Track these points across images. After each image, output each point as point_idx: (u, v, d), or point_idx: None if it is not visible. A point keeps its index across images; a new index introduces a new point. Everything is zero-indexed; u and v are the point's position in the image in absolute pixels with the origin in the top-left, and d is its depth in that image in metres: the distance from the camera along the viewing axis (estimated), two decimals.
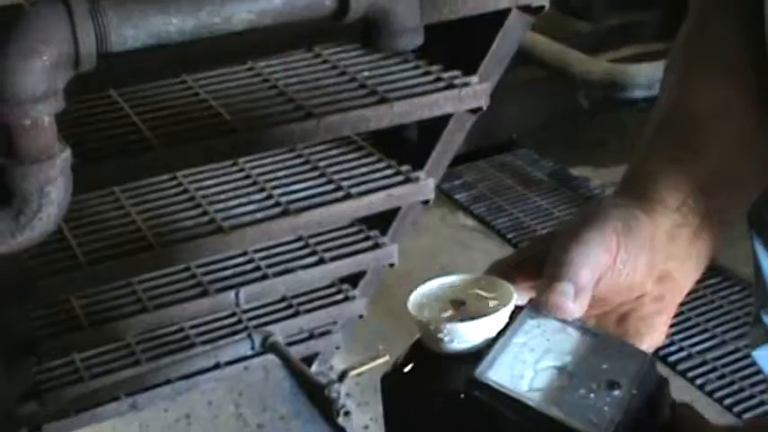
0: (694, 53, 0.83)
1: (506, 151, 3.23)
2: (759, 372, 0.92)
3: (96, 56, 0.91)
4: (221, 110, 1.50)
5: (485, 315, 0.62)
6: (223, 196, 1.69)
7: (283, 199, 1.66)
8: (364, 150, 1.77)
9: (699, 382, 2.23)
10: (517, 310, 0.65)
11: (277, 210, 1.64)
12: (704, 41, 0.83)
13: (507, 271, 0.71)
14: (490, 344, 0.62)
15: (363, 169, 1.72)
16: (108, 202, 1.68)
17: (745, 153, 0.78)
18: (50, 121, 0.90)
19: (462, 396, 0.59)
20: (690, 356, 2.30)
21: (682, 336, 2.36)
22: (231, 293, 1.72)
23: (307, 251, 1.77)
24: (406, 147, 1.73)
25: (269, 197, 1.68)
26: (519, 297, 0.66)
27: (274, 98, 1.53)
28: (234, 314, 1.88)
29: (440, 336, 0.61)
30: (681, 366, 2.28)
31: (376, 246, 1.79)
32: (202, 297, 1.71)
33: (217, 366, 1.81)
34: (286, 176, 1.73)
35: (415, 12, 1.01)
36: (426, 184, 1.69)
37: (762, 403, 2.14)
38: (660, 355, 2.31)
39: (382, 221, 1.79)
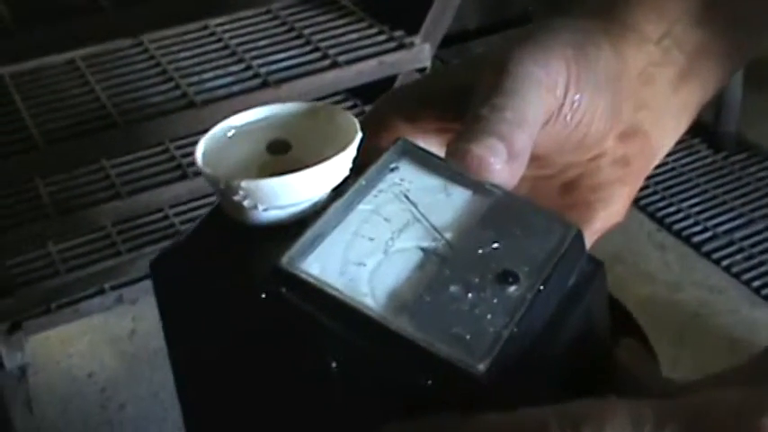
0: None
1: (520, 25, 2.93)
2: None
3: None
4: None
5: (313, 164, 0.38)
6: (197, 68, 1.48)
7: (263, 70, 1.45)
8: (353, 15, 1.56)
9: (725, 263, 2.00)
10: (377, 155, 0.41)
11: (256, 81, 1.45)
12: None
13: (407, 105, 0.48)
14: (320, 211, 0.37)
15: (352, 36, 1.51)
16: (71, 78, 1.46)
17: None
18: None
19: (263, 295, 0.36)
20: (715, 237, 2.06)
21: (706, 215, 2.11)
22: None
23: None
24: (399, 10, 1.50)
25: (247, 68, 1.47)
26: (422, 142, 0.42)
27: None
28: None
29: (236, 198, 0.37)
30: (705, 247, 2.04)
31: None
32: (182, 180, 1.49)
33: None
34: (267, 45, 1.51)
35: None
36: (422, 50, 1.48)
37: None
38: (682, 235, 2.07)
39: (378, 93, 1.55)
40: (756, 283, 1.95)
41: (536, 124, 0.44)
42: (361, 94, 1.58)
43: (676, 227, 2.09)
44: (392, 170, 0.40)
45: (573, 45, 0.47)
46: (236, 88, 1.42)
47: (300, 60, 1.46)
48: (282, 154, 0.40)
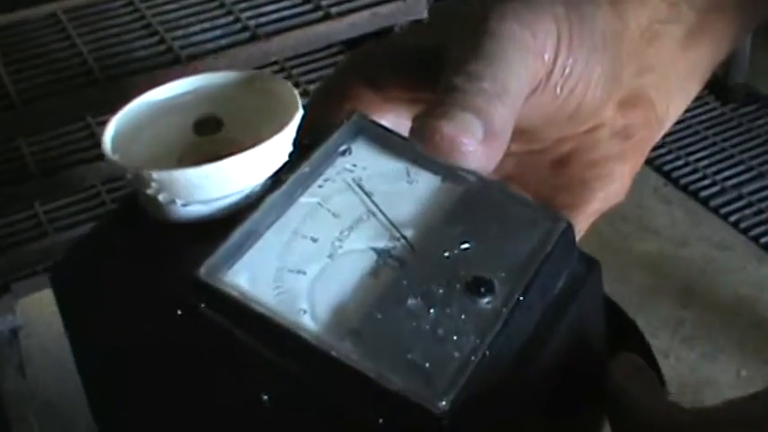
0: None
1: None
2: None
3: None
4: None
5: (244, 149, 0.30)
6: (183, 22, 1.39)
7: (252, 22, 1.37)
8: None
9: (733, 218, 1.92)
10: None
11: (245, 35, 1.36)
12: None
13: (374, 70, 0.40)
14: (252, 205, 0.30)
15: None
16: (52, 33, 1.38)
17: None
18: None
19: (179, 312, 0.29)
20: (723, 191, 1.98)
21: (713, 168, 2.04)
22: None
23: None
24: None
25: (236, 21, 1.38)
26: (391, 115, 0.35)
27: None
28: None
29: (149, 192, 0.29)
30: (713, 202, 1.96)
31: None
32: None
33: None
34: None
35: None
36: (417, 1, 1.40)
37: None
38: (689, 189, 1.99)
39: None
40: (764, 240, 1.87)
41: (520, 96, 0.36)
42: (356, 48, 1.51)
43: (683, 181, 2.02)
44: (343, 153, 0.33)
45: (564, 1, 0.40)
46: (223, 42, 1.33)
47: (291, 12, 1.37)
48: (212, 134, 0.33)
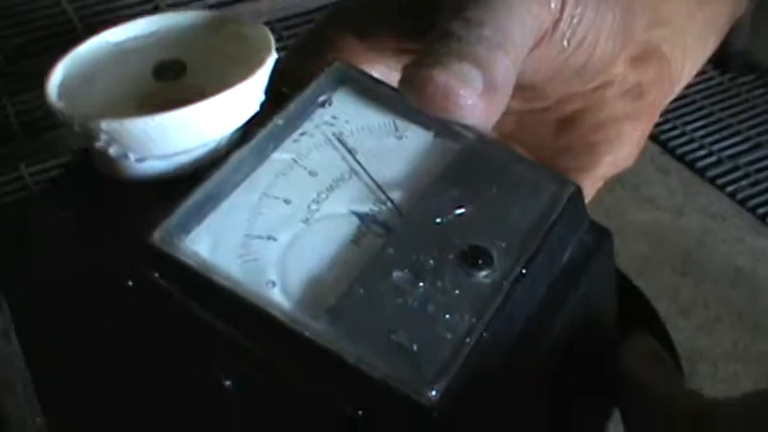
0: None
1: None
2: None
3: None
4: None
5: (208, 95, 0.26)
6: None
7: None
8: None
9: (729, 189, 1.88)
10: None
11: None
12: None
13: (361, 17, 0.37)
14: (217, 161, 0.26)
15: None
16: None
17: None
18: None
19: (129, 283, 0.25)
20: (719, 161, 1.94)
21: (711, 138, 1.99)
22: None
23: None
24: None
25: None
26: (379, 66, 0.31)
27: None
28: None
29: (99, 145, 0.26)
30: (710, 173, 1.92)
31: None
32: None
33: None
34: None
35: None
36: None
37: None
38: (686, 159, 1.95)
39: None
40: (761, 211, 1.84)
41: (523, 46, 0.32)
42: None
43: (680, 150, 1.97)
44: (322, 104, 0.29)
45: None
46: (211, 1, 1.29)
47: None
48: (174, 80, 0.29)
